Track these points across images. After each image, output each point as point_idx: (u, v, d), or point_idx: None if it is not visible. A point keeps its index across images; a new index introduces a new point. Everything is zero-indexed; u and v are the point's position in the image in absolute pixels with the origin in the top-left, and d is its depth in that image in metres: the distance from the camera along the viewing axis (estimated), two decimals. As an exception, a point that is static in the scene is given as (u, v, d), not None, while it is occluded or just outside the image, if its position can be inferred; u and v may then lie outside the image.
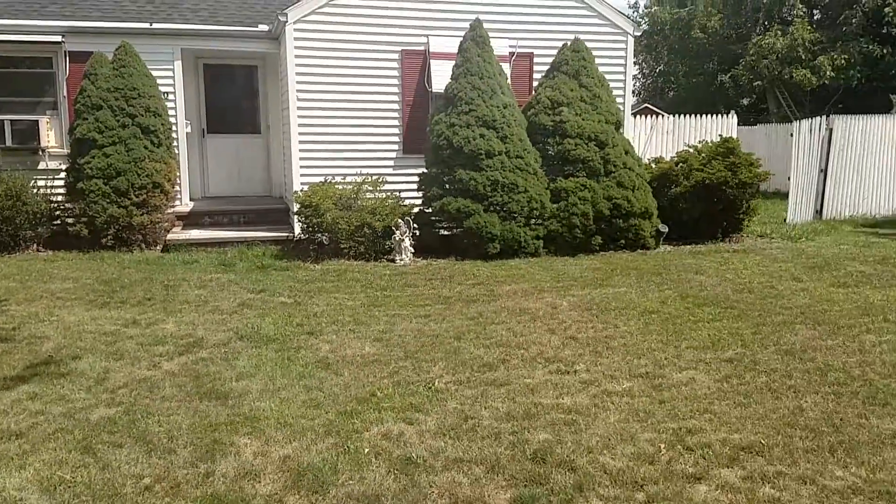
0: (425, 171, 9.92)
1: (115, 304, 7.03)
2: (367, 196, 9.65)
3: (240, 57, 12.19)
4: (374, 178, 9.87)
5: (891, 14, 21.14)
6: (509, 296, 7.41)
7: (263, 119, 12.83)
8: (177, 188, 10.95)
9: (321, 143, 10.54)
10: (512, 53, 10.91)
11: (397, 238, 9.27)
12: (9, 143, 9.94)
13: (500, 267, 8.88)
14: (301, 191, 9.77)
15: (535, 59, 11.14)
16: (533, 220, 9.50)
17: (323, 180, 9.88)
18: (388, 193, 9.83)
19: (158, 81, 10.58)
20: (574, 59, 10.07)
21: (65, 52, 10.31)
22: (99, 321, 6.38)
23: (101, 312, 6.68)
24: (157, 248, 10.10)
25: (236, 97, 12.95)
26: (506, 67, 10.27)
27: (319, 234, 9.52)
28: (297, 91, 10.36)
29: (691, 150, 11.31)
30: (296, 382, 4.97)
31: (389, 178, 10.31)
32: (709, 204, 10.61)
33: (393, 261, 9.27)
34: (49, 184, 10.11)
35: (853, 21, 22.54)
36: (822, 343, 5.82)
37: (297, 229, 9.97)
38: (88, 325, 6.24)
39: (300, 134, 10.45)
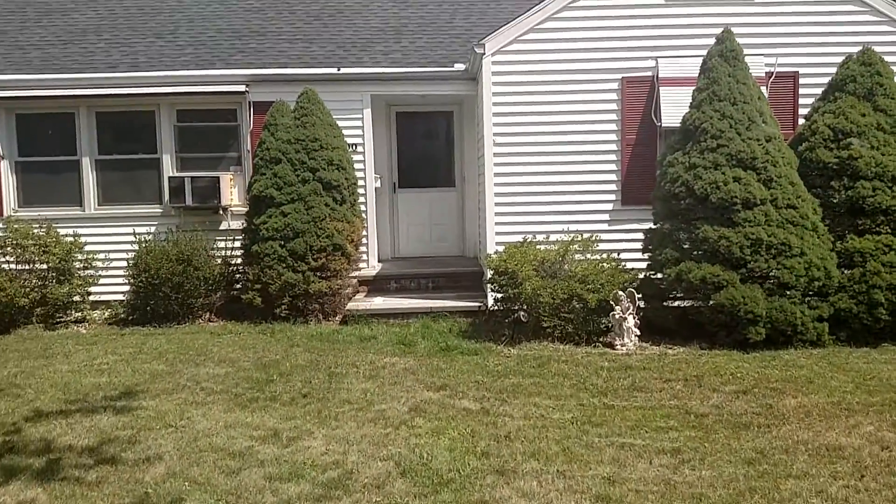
0: (653, 226, 7.70)
1: (263, 400, 5.62)
2: (576, 259, 7.65)
3: (434, 103, 10.93)
4: (585, 236, 7.86)
5: None
6: (799, 417, 4.91)
7: (458, 171, 11.39)
8: (361, 250, 9.75)
9: (520, 195, 8.75)
10: (769, 74, 8.39)
11: (617, 316, 7.11)
12: (189, 201, 9.21)
13: (768, 362, 6.33)
14: (495, 253, 8.01)
15: (801, 81, 8.52)
16: (812, 295, 6.84)
17: (522, 240, 8.05)
18: (603, 256, 7.75)
19: (346, 132, 9.51)
20: (864, 73, 7.35)
21: (249, 102, 9.55)
22: (233, 431, 4.94)
23: (240, 416, 5.26)
24: (336, 318, 8.83)
25: (430, 148, 11.70)
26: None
27: (517, 308, 7.63)
28: (495, 134, 8.71)
29: None
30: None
31: (604, 237, 8.24)
32: None
33: (611, 346, 7.10)
34: (229, 245, 9.30)
35: None
36: None
37: (490, 299, 8.18)
38: (218, 438, 4.81)
39: (496, 185, 8.75)
